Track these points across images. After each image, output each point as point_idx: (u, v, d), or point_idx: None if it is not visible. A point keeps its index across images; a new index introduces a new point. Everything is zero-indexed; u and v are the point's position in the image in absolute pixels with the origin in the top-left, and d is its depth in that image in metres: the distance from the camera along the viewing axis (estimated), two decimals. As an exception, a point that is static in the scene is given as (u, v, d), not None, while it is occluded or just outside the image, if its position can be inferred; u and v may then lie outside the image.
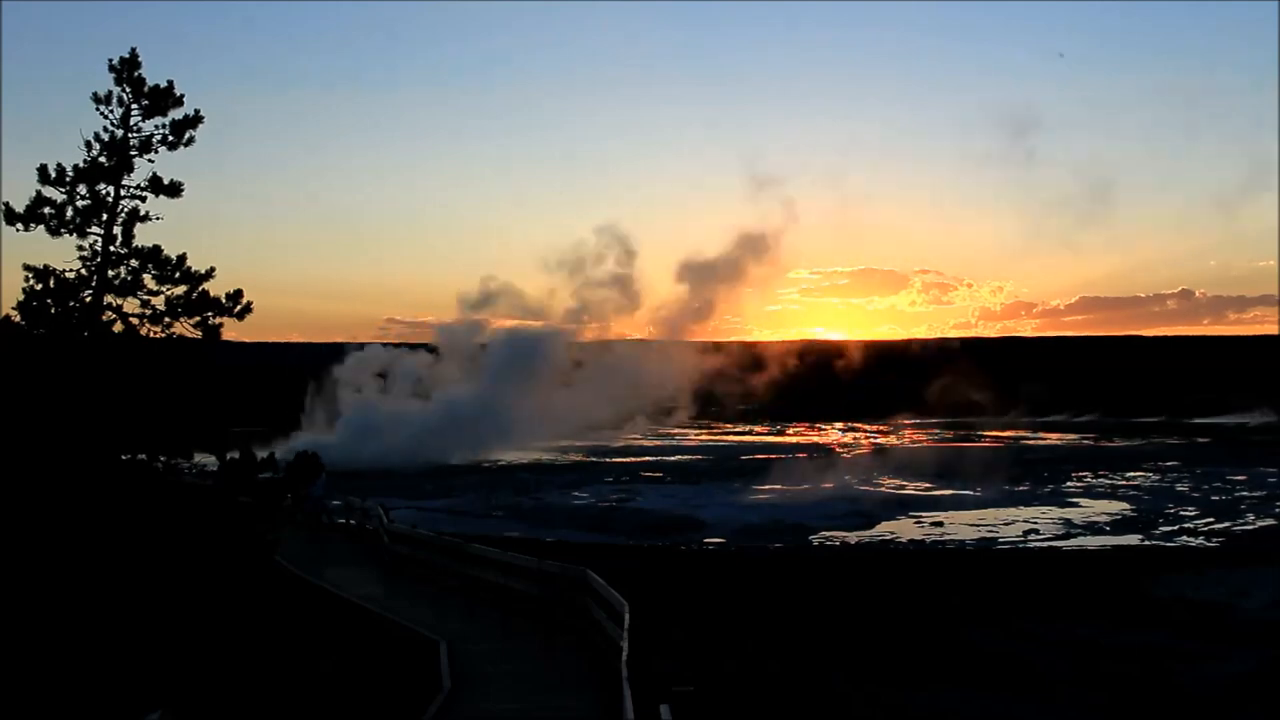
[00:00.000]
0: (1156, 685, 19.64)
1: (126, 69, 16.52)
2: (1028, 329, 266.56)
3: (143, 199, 16.67)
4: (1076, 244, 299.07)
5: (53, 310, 16.08)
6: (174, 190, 16.75)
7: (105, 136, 16.47)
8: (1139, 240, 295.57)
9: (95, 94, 16.47)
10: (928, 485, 58.20)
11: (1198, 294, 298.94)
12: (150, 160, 16.68)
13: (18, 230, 16.24)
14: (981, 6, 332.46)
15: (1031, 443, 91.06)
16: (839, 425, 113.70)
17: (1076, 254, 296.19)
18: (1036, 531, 43.16)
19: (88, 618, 14.42)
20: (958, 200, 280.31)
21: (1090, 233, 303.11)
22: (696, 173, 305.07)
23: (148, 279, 16.56)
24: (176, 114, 16.77)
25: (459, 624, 18.80)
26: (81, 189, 16.38)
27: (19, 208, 16.21)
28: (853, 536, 42.42)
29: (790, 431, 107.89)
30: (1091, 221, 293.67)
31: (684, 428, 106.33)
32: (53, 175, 16.28)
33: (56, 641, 14.16)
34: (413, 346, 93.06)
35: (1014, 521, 45.94)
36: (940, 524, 45.47)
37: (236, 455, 16.40)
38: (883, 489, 56.67)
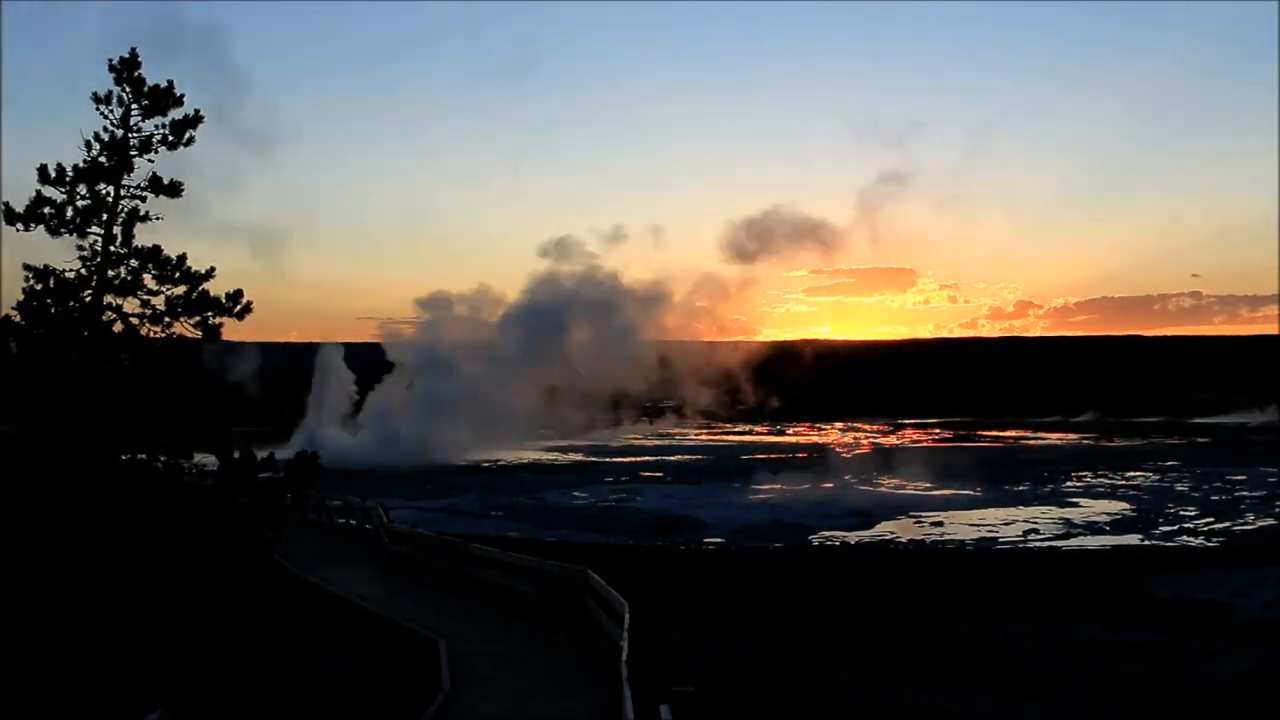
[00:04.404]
0: (1157, 685, 19.63)
1: (126, 69, 16.50)
2: (1037, 328, 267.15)
3: (143, 199, 16.65)
4: (1085, 243, 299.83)
5: (53, 310, 16.07)
6: (174, 190, 16.73)
7: (105, 136, 16.46)
8: (1147, 239, 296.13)
9: (95, 94, 16.46)
10: (928, 485, 58.16)
11: (1205, 293, 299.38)
12: (150, 160, 16.66)
13: (18, 230, 16.23)
14: (987, 7, 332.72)
15: (1031, 443, 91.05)
16: (839, 425, 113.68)
17: (1085, 252, 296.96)
18: (1036, 531, 43.15)
19: (88, 617, 14.42)
20: (964, 199, 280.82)
21: (1098, 231, 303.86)
22: (699, 176, 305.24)
23: (148, 279, 16.55)
24: (176, 114, 16.75)
25: (459, 624, 18.76)
26: (81, 189, 16.37)
27: (19, 208, 16.21)
28: (853, 536, 42.41)
29: (790, 431, 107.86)
30: (1099, 220, 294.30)
31: (684, 428, 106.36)
32: (53, 175, 16.27)
33: (57, 641, 14.15)
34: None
35: (1014, 521, 45.92)
36: (940, 524, 45.45)
37: (237, 455, 16.38)
38: (883, 489, 56.67)
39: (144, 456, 16.20)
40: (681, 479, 62.86)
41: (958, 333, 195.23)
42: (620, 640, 14.16)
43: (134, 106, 16.56)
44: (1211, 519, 46.22)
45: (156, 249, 16.52)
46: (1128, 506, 50.58)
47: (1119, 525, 45.25)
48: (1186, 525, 44.72)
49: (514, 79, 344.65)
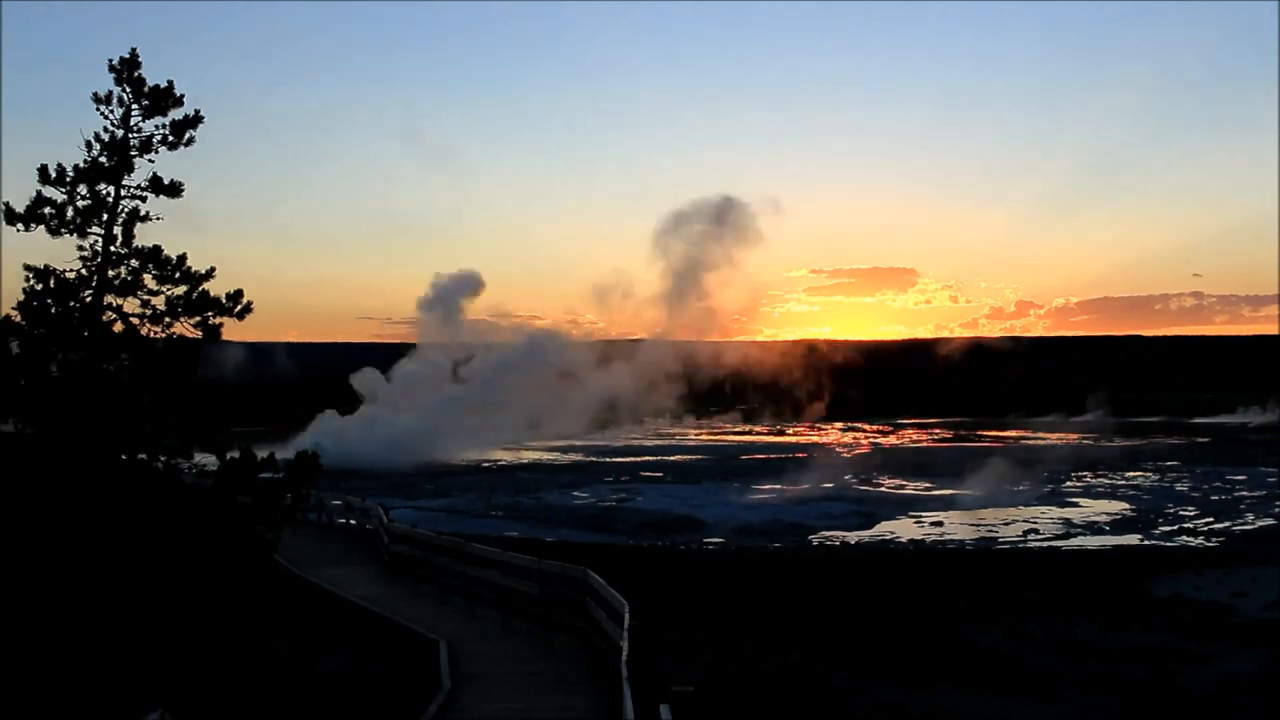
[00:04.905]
0: (1156, 685, 19.64)
1: (126, 69, 16.48)
2: (1037, 328, 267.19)
3: (143, 199, 16.63)
4: (1085, 242, 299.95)
5: (53, 310, 16.04)
6: (174, 190, 16.72)
7: (105, 136, 16.43)
8: (1148, 239, 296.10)
9: (95, 94, 16.43)
10: (928, 485, 58.24)
11: (1206, 293, 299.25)
12: (150, 160, 16.64)
13: (18, 230, 16.20)
14: (985, 6, 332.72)
15: (1031, 443, 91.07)
16: (839, 425, 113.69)
17: (1085, 252, 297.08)
18: (1036, 531, 43.19)
19: (88, 618, 14.42)
20: (966, 197, 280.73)
21: (1098, 231, 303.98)
22: (700, 172, 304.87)
23: (148, 279, 16.51)
24: (176, 114, 16.73)
25: (459, 624, 18.79)
26: (82, 189, 16.33)
27: (19, 208, 16.18)
28: (853, 536, 42.47)
29: (790, 431, 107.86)
30: (1100, 220, 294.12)
31: (684, 427, 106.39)
32: (53, 175, 16.24)
33: (57, 641, 14.15)
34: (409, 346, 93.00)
35: (1014, 521, 45.98)
36: (940, 524, 45.51)
37: (236, 455, 16.36)
38: (883, 489, 56.72)
39: (144, 456, 16.19)
40: (681, 479, 62.89)
41: (958, 332, 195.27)
42: (620, 640, 14.17)
43: (134, 106, 16.53)
44: (1211, 519, 46.28)
45: (157, 249, 16.50)
46: (1128, 506, 50.64)
47: (1119, 525, 45.31)
48: (1186, 525, 44.78)
49: (517, 77, 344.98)
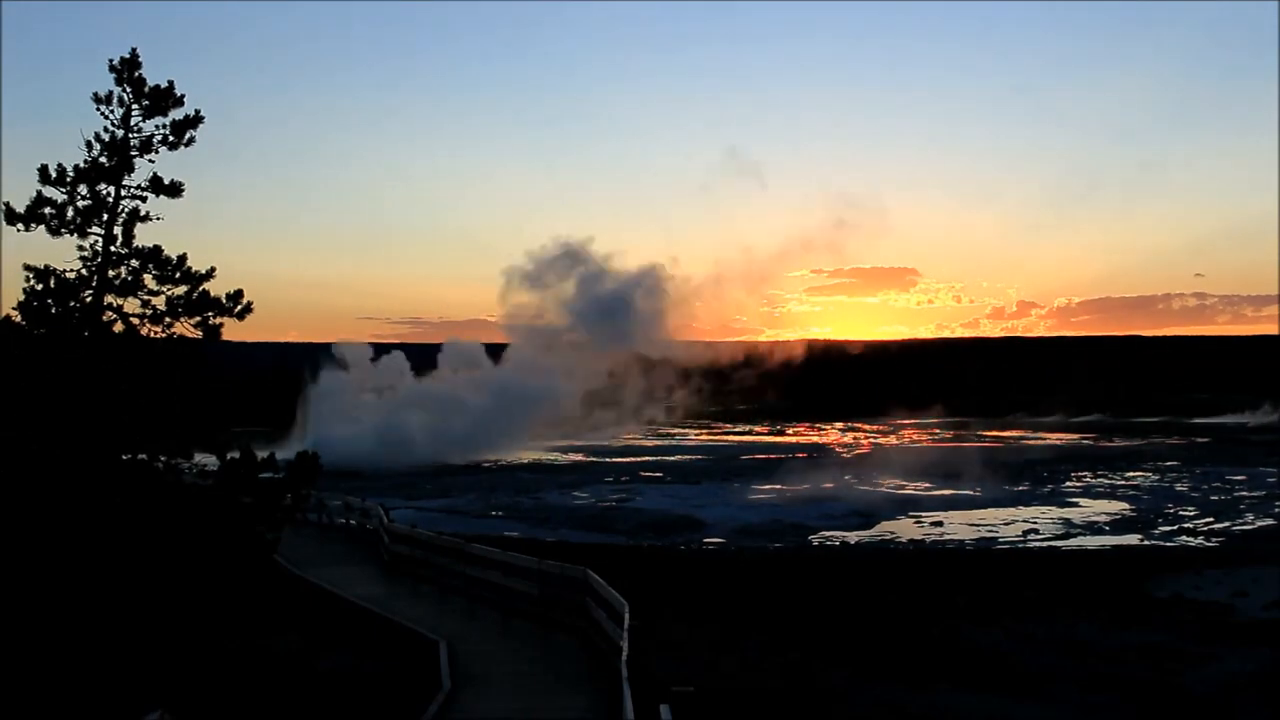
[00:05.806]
0: (1157, 685, 19.64)
1: (126, 69, 16.48)
2: (1039, 328, 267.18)
3: (143, 199, 16.63)
4: (1087, 242, 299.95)
5: (53, 310, 16.04)
6: (174, 190, 16.71)
7: (105, 136, 16.43)
8: (1150, 238, 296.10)
9: (95, 94, 16.43)
10: (928, 485, 58.20)
11: (1208, 293, 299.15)
12: (150, 160, 16.64)
13: (18, 230, 16.20)
14: (986, 6, 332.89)
15: (1031, 443, 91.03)
16: (839, 425, 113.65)
17: (1087, 252, 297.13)
18: (1036, 531, 43.18)
19: (88, 618, 14.42)
20: (967, 197, 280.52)
21: (1100, 231, 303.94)
22: (699, 171, 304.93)
23: (148, 279, 16.51)
24: (177, 114, 16.72)
25: (459, 624, 18.79)
26: (82, 189, 16.33)
27: (19, 208, 16.18)
28: (853, 536, 42.44)
29: (790, 431, 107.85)
30: (1102, 219, 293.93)
31: (684, 427, 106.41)
32: (53, 175, 16.24)
33: (57, 641, 14.15)
34: (409, 346, 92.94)
35: (1014, 521, 45.96)
36: (940, 524, 45.48)
37: (237, 455, 16.36)
38: (883, 489, 56.68)
39: (144, 456, 16.19)
40: (681, 479, 62.85)
41: (960, 333, 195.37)
42: (620, 640, 14.18)
43: (134, 107, 16.53)
44: (1211, 519, 46.26)
45: (157, 249, 16.50)
46: (1127, 506, 50.62)
47: (1119, 525, 45.29)
48: (1186, 525, 44.75)
49: (521, 78, 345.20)
